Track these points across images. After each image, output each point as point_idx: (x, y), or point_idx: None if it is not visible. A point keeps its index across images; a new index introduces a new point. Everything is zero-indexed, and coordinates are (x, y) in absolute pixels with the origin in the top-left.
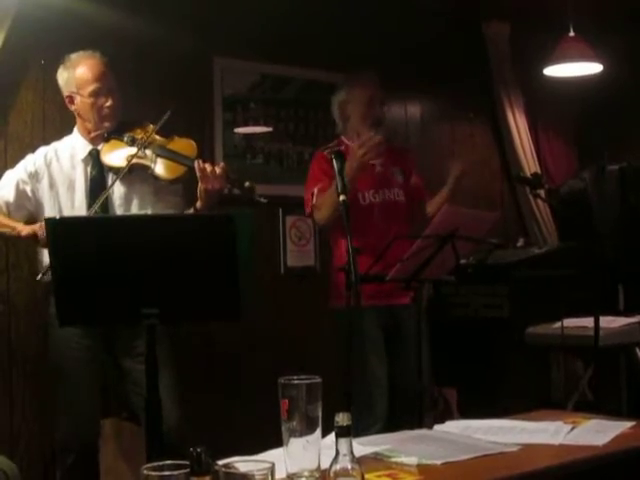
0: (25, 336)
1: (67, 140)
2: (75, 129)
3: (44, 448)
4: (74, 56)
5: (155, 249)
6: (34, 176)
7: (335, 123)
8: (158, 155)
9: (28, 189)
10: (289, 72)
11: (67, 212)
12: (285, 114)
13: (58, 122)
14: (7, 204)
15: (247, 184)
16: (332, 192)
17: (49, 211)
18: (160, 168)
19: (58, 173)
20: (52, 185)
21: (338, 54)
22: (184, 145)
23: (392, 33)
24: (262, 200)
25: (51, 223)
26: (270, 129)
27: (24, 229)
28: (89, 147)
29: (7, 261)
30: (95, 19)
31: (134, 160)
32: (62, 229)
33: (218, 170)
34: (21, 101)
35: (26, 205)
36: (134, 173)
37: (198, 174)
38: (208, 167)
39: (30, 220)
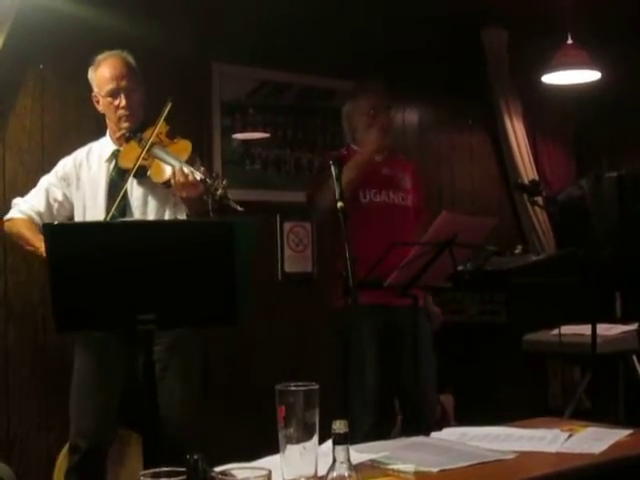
0: (22, 340)
1: (101, 140)
2: (107, 130)
3: (40, 452)
4: (100, 56)
5: (154, 255)
6: (65, 179)
7: (330, 131)
8: (155, 157)
9: (59, 193)
10: (288, 78)
11: (90, 212)
12: (283, 120)
13: (56, 128)
14: (39, 214)
15: (219, 192)
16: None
17: (77, 212)
18: (153, 170)
19: (86, 174)
20: (79, 187)
21: (336, 61)
22: (179, 147)
23: (390, 40)
24: (238, 208)
25: (48, 229)
26: (268, 135)
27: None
28: (113, 147)
29: (5, 265)
30: (93, 24)
31: (139, 162)
32: (60, 235)
33: (190, 178)
34: (19, 106)
35: (61, 211)
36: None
37: (171, 182)
38: (181, 176)
39: None
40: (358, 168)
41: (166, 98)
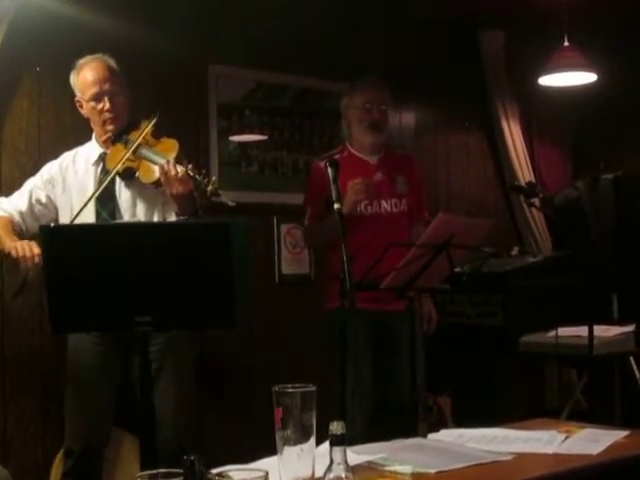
0: (18, 342)
1: (87, 145)
2: (93, 133)
3: (37, 455)
4: (81, 61)
5: (150, 257)
6: (50, 182)
7: (327, 132)
8: (142, 157)
9: (43, 195)
10: (284, 80)
11: (79, 216)
12: (280, 122)
13: (53, 129)
14: (20, 213)
15: (210, 188)
16: (323, 226)
17: (63, 216)
18: (142, 171)
19: (72, 178)
20: (65, 190)
21: (333, 62)
22: (166, 146)
23: (387, 42)
24: (230, 203)
25: (45, 231)
26: (265, 137)
27: (12, 249)
28: (100, 151)
29: (1, 267)
30: (90, 26)
31: (126, 164)
32: (56, 237)
33: (180, 173)
34: (16, 108)
35: (44, 212)
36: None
37: (162, 178)
38: (172, 170)
39: None
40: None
41: (153, 112)
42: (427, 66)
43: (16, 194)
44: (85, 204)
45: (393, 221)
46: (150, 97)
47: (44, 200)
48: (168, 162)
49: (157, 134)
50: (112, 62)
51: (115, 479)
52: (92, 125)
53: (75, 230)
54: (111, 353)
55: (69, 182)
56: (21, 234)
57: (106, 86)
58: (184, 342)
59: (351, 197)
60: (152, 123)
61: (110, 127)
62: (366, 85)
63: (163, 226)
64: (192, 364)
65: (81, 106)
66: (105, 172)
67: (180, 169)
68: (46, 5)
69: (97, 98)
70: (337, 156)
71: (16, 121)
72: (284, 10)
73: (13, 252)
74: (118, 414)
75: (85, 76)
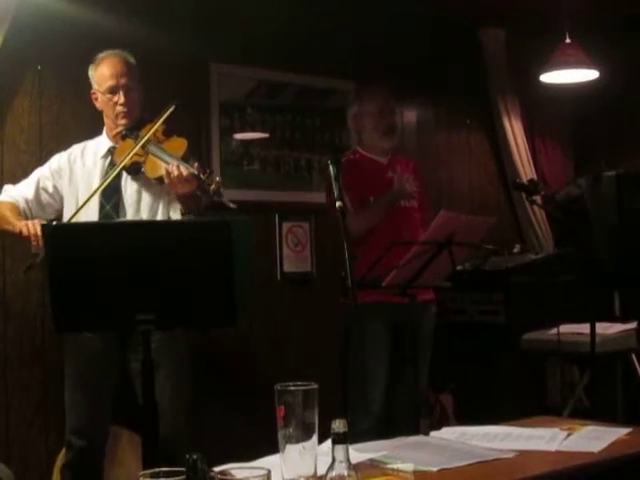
0: (20, 341)
1: (97, 138)
2: (104, 127)
3: (40, 453)
4: (100, 54)
5: (152, 255)
6: (57, 172)
7: (328, 130)
8: (150, 153)
9: (49, 185)
10: (286, 78)
11: (83, 208)
12: (282, 120)
13: (54, 128)
14: (26, 200)
15: (212, 187)
16: (366, 211)
17: (68, 207)
18: (148, 166)
19: (80, 170)
20: (72, 181)
21: (335, 60)
22: (174, 144)
23: (389, 39)
24: (231, 206)
25: (48, 229)
26: (267, 135)
27: (22, 227)
28: (109, 144)
29: (4, 265)
30: (92, 25)
31: (133, 158)
32: (59, 235)
33: (185, 173)
34: (17, 107)
35: (50, 202)
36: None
37: (165, 180)
38: (175, 171)
39: (59, 218)
40: (385, 209)
41: (170, 100)
42: (428, 64)
43: (23, 182)
44: (89, 197)
45: (409, 215)
46: (152, 96)
47: (50, 190)
48: (171, 164)
49: (167, 132)
50: (131, 58)
51: (112, 475)
52: (104, 118)
53: (78, 228)
54: (107, 350)
55: (76, 174)
56: (21, 217)
57: (122, 80)
58: (181, 340)
59: (401, 191)
60: (167, 114)
61: (122, 121)
62: (375, 92)
63: (165, 224)
64: (189, 363)
65: (96, 99)
66: (113, 166)
67: (184, 170)
68: (47, 4)
69: (112, 91)
70: (352, 156)
71: (17, 120)
72: (285, 8)
73: (24, 229)
74: (115, 410)
75: (102, 70)
